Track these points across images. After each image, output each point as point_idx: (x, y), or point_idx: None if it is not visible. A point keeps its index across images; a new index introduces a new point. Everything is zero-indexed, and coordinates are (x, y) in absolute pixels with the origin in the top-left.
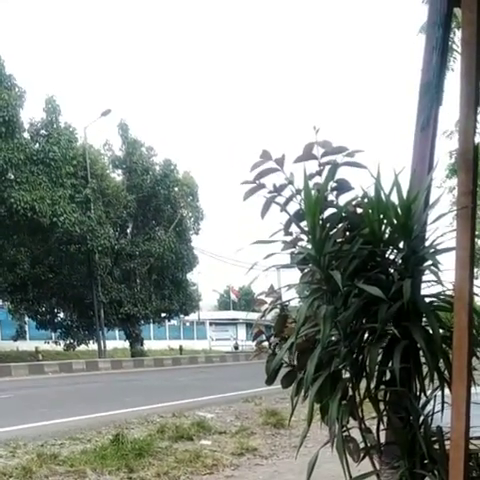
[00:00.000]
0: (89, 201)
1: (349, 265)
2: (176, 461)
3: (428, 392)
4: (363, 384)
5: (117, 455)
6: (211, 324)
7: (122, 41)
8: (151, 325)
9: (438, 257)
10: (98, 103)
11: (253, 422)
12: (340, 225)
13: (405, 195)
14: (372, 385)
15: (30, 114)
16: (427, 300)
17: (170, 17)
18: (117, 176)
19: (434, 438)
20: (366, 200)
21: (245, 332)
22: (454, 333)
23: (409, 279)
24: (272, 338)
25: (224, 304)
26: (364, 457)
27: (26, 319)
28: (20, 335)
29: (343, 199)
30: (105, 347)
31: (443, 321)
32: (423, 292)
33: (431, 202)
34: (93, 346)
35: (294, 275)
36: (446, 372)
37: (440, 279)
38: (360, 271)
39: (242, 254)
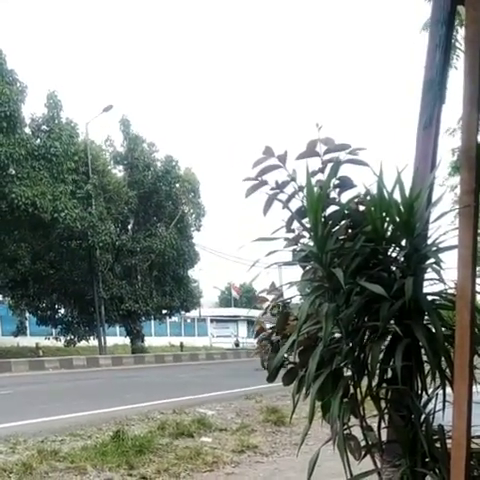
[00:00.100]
0: (90, 197)
1: (351, 263)
2: (176, 458)
3: (430, 390)
4: (364, 382)
5: (117, 452)
6: (212, 321)
7: (124, 37)
8: (152, 322)
9: (440, 255)
10: (100, 99)
11: (254, 419)
12: (342, 222)
13: (408, 193)
14: (374, 383)
15: (31, 109)
16: (429, 298)
17: (172, 13)
18: (118, 172)
19: (435, 437)
20: (368, 198)
21: (246, 329)
22: (456, 331)
23: (411, 277)
24: (274, 335)
25: (225, 301)
26: (365, 455)
27: (27, 315)
28: (21, 331)
29: (345, 196)
30: (106, 343)
31: (445, 319)
32: (425, 290)
33: (433, 200)
34: (94, 342)
35: (296, 272)
36: (448, 370)
37: (442, 277)
38: (362, 269)
39: (244, 251)
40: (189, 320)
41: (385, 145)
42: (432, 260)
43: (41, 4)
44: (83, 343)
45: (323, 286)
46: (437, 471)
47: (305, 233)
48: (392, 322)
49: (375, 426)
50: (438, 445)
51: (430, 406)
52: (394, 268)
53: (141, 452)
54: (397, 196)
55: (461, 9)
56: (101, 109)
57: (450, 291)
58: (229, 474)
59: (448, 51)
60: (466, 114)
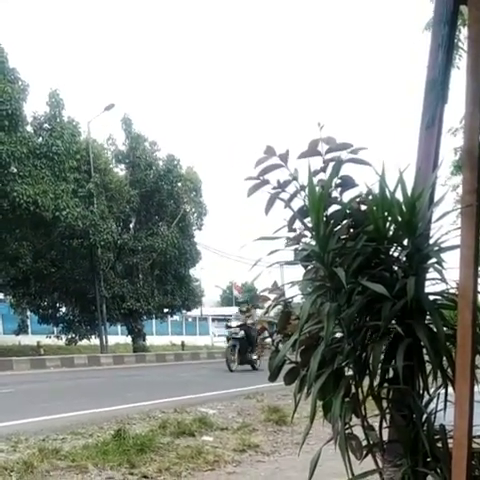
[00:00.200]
0: (92, 196)
1: (353, 262)
2: (178, 457)
3: (431, 390)
4: (366, 382)
5: (119, 450)
6: (213, 320)
7: (126, 36)
8: (153, 320)
9: (442, 255)
10: (102, 97)
11: (255, 419)
12: (344, 222)
13: (410, 193)
14: (375, 383)
15: (33, 108)
16: (431, 298)
17: (174, 12)
18: (120, 171)
19: (437, 436)
20: (370, 197)
21: None
22: (458, 331)
23: (413, 277)
24: (275, 335)
25: (227, 300)
26: (367, 455)
27: (28, 313)
28: (22, 329)
29: (347, 196)
30: (107, 342)
31: (447, 319)
32: (427, 290)
33: (436, 200)
34: (95, 341)
35: (297, 272)
36: (449, 370)
37: (444, 277)
38: (364, 268)
39: (245, 250)
40: (190, 319)
41: (387, 145)
42: (434, 260)
43: (43, 2)
44: (84, 342)
45: (325, 285)
46: (438, 471)
47: (307, 232)
48: (394, 322)
49: (376, 426)
50: (439, 445)
51: (432, 406)
52: (396, 268)
53: (142, 451)
54: (399, 196)
55: (464, 9)
56: (103, 108)
57: (452, 291)
58: (230, 473)
59: (451, 51)
60: (468, 114)
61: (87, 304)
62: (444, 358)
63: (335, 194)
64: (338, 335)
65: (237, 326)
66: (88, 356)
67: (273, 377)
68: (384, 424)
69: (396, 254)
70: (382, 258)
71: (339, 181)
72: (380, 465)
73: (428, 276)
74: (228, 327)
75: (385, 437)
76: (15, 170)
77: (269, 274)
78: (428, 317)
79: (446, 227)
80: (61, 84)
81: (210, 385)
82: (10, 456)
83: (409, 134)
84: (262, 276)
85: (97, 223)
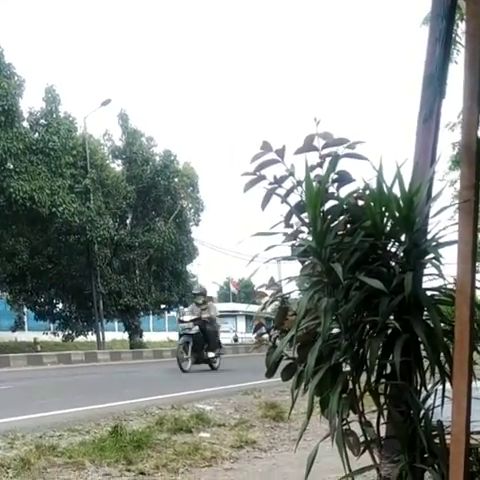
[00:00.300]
0: (88, 191)
1: (350, 258)
2: (175, 453)
3: (429, 386)
4: (363, 377)
5: (116, 447)
6: None
7: (122, 31)
8: (150, 317)
9: (440, 250)
10: (98, 93)
11: (252, 415)
12: (341, 217)
13: (407, 188)
14: (372, 378)
15: (29, 103)
16: (428, 293)
17: (171, 7)
18: (117, 166)
19: (434, 432)
20: (368, 192)
21: (245, 324)
22: (455, 327)
23: (411, 272)
24: (272, 331)
25: (224, 296)
26: (364, 451)
27: (25, 310)
28: (19, 326)
29: (344, 191)
30: (104, 338)
31: (444, 315)
32: (424, 285)
33: (433, 195)
34: (92, 337)
35: (295, 267)
36: (447, 366)
37: (442, 273)
38: (361, 264)
39: (242, 246)
40: None
41: (384, 139)
42: (431, 255)
43: None
44: (81, 338)
45: (322, 281)
46: (436, 467)
47: (304, 228)
48: (391, 317)
49: (374, 422)
50: (437, 441)
51: (429, 402)
52: (393, 263)
53: (139, 447)
54: (396, 191)
55: (462, 3)
56: (99, 103)
57: (449, 286)
58: (228, 469)
59: (448, 45)
60: (466, 109)
61: (84, 300)
62: (442, 354)
63: (332, 189)
64: (335, 331)
65: (191, 321)
66: (85, 352)
67: (270, 373)
68: (381, 420)
69: (394, 249)
70: (379, 253)
71: (336, 176)
72: (377, 461)
73: (426, 271)
74: (180, 322)
75: (382, 433)
76: (11, 166)
77: (266, 270)
78: (426, 313)
79: (444, 222)
80: (57, 79)
81: (207, 381)
82: (7, 453)
83: (407, 129)
84: (259, 272)
85: (94, 219)
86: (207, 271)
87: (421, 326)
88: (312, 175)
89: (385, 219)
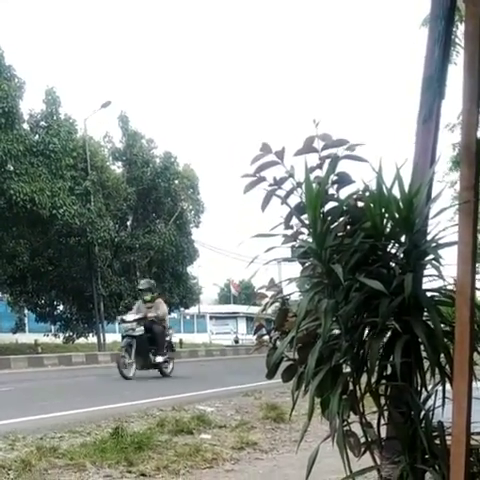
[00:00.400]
0: (89, 193)
1: (350, 259)
2: (176, 455)
3: (429, 387)
4: (364, 378)
5: (116, 448)
6: (211, 318)
7: (123, 32)
8: None
9: (440, 252)
10: (98, 95)
11: (253, 416)
12: (341, 219)
13: (407, 189)
14: (373, 380)
15: (30, 105)
16: (428, 294)
17: (171, 8)
18: (117, 168)
19: (435, 433)
20: (367, 194)
21: (245, 326)
22: (456, 328)
23: (410, 273)
24: (273, 332)
25: (224, 298)
26: (365, 452)
27: (25, 311)
28: (19, 327)
29: (344, 193)
30: (105, 340)
31: (444, 316)
32: (425, 286)
33: (433, 196)
34: (92, 339)
35: (295, 269)
36: (447, 367)
37: (442, 274)
38: (361, 265)
39: (243, 247)
40: (188, 317)
41: (384, 141)
42: (431, 256)
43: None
44: (82, 340)
45: (322, 282)
46: (437, 468)
47: (304, 229)
48: (391, 318)
49: (374, 423)
50: (438, 442)
51: (430, 402)
52: (393, 264)
53: (140, 449)
54: (396, 192)
55: (461, 5)
56: (99, 105)
57: (449, 287)
58: (229, 471)
59: (448, 47)
60: (466, 110)
61: (84, 302)
62: (442, 355)
63: (332, 191)
64: (336, 332)
65: (134, 320)
66: (86, 354)
67: (271, 374)
68: (382, 421)
69: (393, 251)
70: (379, 255)
71: (336, 178)
72: (378, 462)
73: (426, 273)
74: (122, 321)
75: (383, 434)
76: (12, 168)
77: (266, 271)
78: (426, 314)
79: (444, 223)
80: (58, 81)
81: (208, 383)
82: (8, 454)
83: (406, 130)
84: (260, 273)
85: (94, 221)
86: (208, 273)
87: (421, 327)
88: (312, 177)
89: (385, 220)
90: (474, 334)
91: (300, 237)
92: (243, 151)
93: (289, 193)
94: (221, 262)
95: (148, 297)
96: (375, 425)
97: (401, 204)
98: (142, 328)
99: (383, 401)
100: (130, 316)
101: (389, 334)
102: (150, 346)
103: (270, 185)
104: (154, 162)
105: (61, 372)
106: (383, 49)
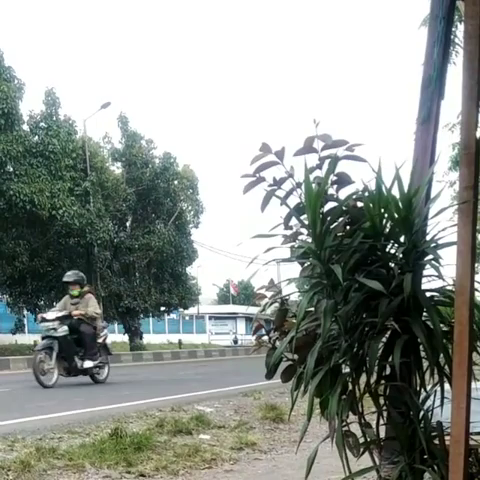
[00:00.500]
0: (88, 194)
1: (350, 259)
2: (175, 455)
3: (428, 387)
4: (363, 379)
5: (116, 449)
6: (210, 318)
7: (122, 33)
8: (150, 319)
9: (439, 252)
10: (98, 95)
11: (252, 416)
12: (341, 219)
13: (406, 189)
14: (372, 380)
15: (29, 106)
16: (428, 295)
17: (170, 8)
18: (116, 169)
19: (434, 433)
20: (367, 194)
21: (244, 326)
22: (455, 328)
23: (410, 273)
24: (272, 332)
25: (224, 298)
26: (364, 452)
27: (25, 312)
28: (19, 328)
29: (343, 193)
30: None
31: (444, 316)
32: (424, 287)
33: (432, 196)
34: None
35: (294, 269)
36: (446, 367)
37: (441, 274)
38: (361, 265)
39: (242, 248)
40: (187, 317)
41: (383, 141)
42: (431, 256)
43: (39, 1)
44: None
45: (321, 282)
46: (436, 468)
47: (303, 230)
48: (391, 319)
49: (373, 423)
50: (437, 442)
51: (429, 403)
52: (393, 264)
53: (139, 449)
54: (396, 192)
55: (460, 4)
56: (99, 106)
57: (449, 288)
58: (228, 471)
59: (447, 47)
60: (465, 111)
61: None
62: (441, 355)
63: (331, 191)
64: (335, 332)
65: (57, 318)
66: None
67: (270, 375)
68: (381, 421)
69: (393, 251)
70: (379, 255)
71: (335, 178)
72: (377, 462)
73: (425, 273)
74: (43, 320)
75: (382, 434)
76: (11, 169)
77: (266, 272)
78: (425, 314)
79: (443, 223)
80: (57, 82)
81: (207, 383)
82: (7, 455)
83: (406, 130)
84: (259, 274)
85: (94, 222)
86: (207, 273)
87: (420, 327)
88: (311, 177)
89: (384, 220)
90: (473, 334)
91: (299, 237)
92: (243, 151)
93: (288, 193)
94: (220, 262)
95: (76, 292)
96: (374, 425)
97: (400, 204)
98: (65, 328)
99: (382, 401)
100: (51, 314)
101: (388, 334)
102: (76, 349)
103: (270, 185)
104: (153, 163)
105: None
106: (383, 49)
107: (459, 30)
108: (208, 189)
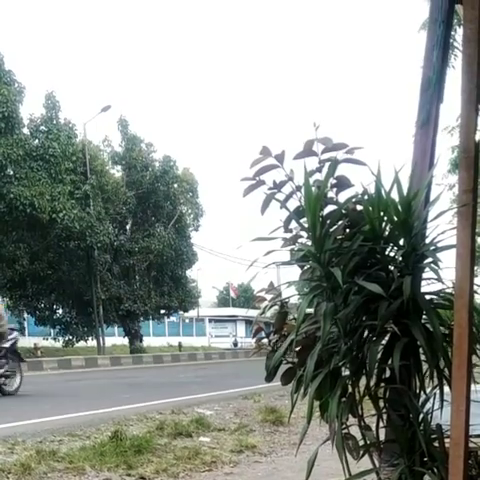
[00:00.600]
0: (88, 197)
1: (349, 262)
2: (175, 458)
3: (428, 390)
4: (363, 381)
5: (116, 452)
6: (210, 321)
7: (122, 37)
8: (150, 322)
9: (438, 255)
10: (98, 99)
11: (252, 419)
12: (340, 222)
13: (405, 192)
14: (372, 382)
15: (30, 110)
16: (427, 297)
17: (170, 11)
18: (116, 172)
19: (434, 436)
20: (366, 197)
21: (244, 329)
22: (454, 331)
23: (409, 276)
24: (272, 335)
25: (223, 301)
26: (364, 455)
27: (25, 315)
28: (19, 331)
29: (343, 196)
30: (104, 344)
31: (443, 319)
32: (423, 289)
33: (432, 199)
34: (92, 343)
35: (294, 272)
36: (446, 370)
37: (440, 277)
38: (360, 268)
39: (242, 251)
40: (187, 320)
41: (383, 144)
42: (430, 259)
43: (39, 4)
44: (81, 343)
45: (321, 285)
46: (435, 470)
47: (303, 233)
48: (390, 321)
49: (373, 425)
50: (436, 444)
51: (428, 405)
52: (392, 267)
53: (139, 452)
54: (395, 195)
55: (459, 8)
56: (99, 109)
57: (448, 290)
58: (228, 474)
59: (446, 50)
60: (464, 113)
61: (84, 306)
62: (441, 358)
63: (331, 194)
64: (335, 335)
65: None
66: (85, 358)
67: (270, 377)
68: (381, 424)
69: (392, 254)
70: (378, 258)
71: (335, 181)
72: (377, 465)
73: (424, 276)
74: None
75: (382, 437)
76: (11, 172)
77: (265, 275)
78: (424, 317)
79: (442, 226)
80: (57, 86)
81: (207, 386)
82: (8, 458)
83: (405, 133)
84: (259, 276)
85: (94, 225)
86: (207, 276)
87: (420, 330)
88: (311, 180)
89: (383, 224)
90: (473, 337)
91: (299, 240)
92: (243, 154)
93: (288, 197)
94: (220, 265)
95: None
96: (374, 428)
97: (400, 207)
98: None
99: (382, 404)
100: None
101: (388, 337)
102: None
103: (269, 188)
104: (153, 166)
105: (61, 376)
106: (382, 53)
107: (458, 34)
108: (208, 192)
